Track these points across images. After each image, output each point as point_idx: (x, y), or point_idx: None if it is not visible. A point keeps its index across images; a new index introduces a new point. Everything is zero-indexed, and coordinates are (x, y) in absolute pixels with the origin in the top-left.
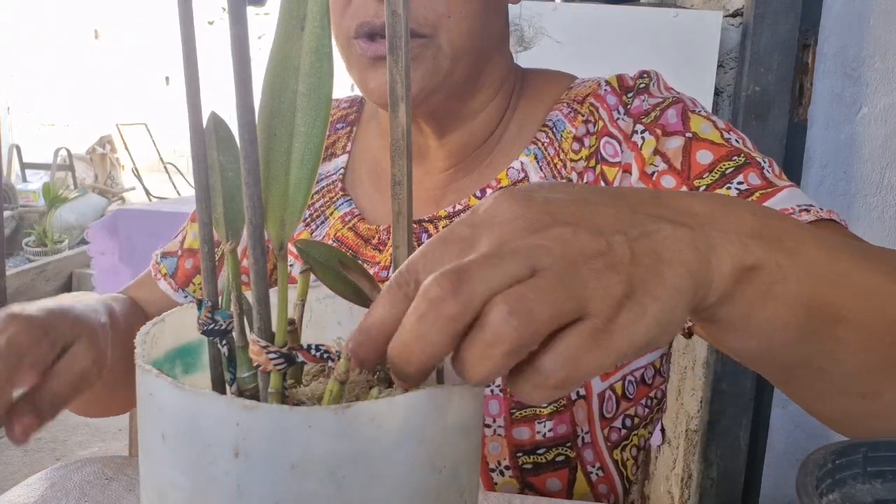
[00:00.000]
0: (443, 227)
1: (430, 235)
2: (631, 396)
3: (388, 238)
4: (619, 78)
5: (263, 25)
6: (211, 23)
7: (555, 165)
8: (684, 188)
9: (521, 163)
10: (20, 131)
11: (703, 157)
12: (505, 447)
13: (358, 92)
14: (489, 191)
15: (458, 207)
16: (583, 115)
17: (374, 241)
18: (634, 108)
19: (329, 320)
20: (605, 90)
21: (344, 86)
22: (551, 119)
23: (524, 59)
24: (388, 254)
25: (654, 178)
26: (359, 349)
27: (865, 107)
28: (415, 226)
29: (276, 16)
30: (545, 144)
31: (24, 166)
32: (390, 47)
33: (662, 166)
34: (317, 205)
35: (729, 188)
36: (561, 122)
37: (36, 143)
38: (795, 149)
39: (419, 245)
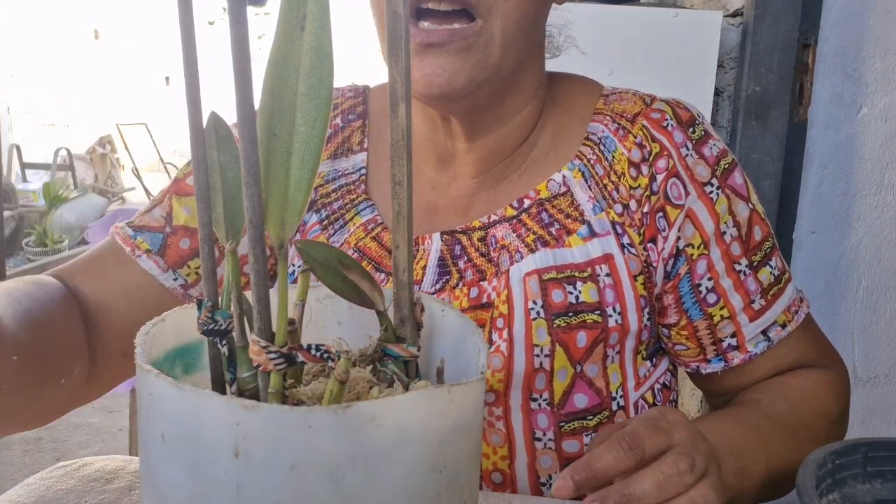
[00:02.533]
0: (477, 240)
1: (462, 247)
2: (659, 404)
3: (416, 249)
4: (673, 109)
5: (263, 25)
6: (211, 23)
7: (604, 186)
8: (744, 260)
9: (564, 176)
10: (20, 131)
11: (757, 232)
12: (556, 461)
13: (358, 82)
14: (527, 202)
15: (494, 218)
16: (634, 137)
17: None
18: (707, 154)
19: (329, 320)
20: (670, 124)
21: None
22: (595, 133)
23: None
24: (415, 266)
25: (727, 241)
26: (582, 482)
27: (865, 107)
28: (447, 237)
29: (276, 16)
30: (592, 161)
31: (24, 166)
32: (390, 47)
33: (733, 231)
34: (335, 206)
35: (769, 270)
36: (610, 139)
37: (36, 143)
38: (795, 149)
39: (450, 255)
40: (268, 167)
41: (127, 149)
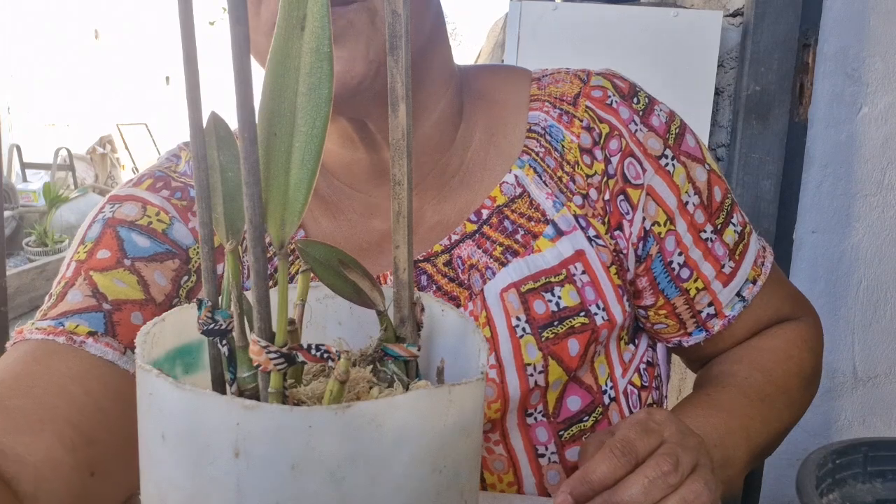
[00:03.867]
0: (442, 265)
1: (428, 276)
2: (646, 384)
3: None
4: (612, 82)
5: None
6: (212, 23)
7: (559, 179)
8: (709, 226)
9: (516, 176)
10: (20, 131)
11: (717, 193)
12: (562, 474)
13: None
14: (485, 212)
15: (455, 238)
16: (580, 120)
17: None
18: (656, 124)
19: (329, 320)
20: (614, 100)
21: None
22: (537, 123)
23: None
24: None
25: (690, 211)
26: (581, 496)
27: (866, 106)
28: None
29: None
30: (541, 154)
31: (24, 166)
32: (390, 47)
33: (695, 200)
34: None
35: (732, 228)
36: (555, 127)
37: (36, 143)
38: (796, 149)
39: (417, 287)
40: (268, 167)
41: (127, 149)
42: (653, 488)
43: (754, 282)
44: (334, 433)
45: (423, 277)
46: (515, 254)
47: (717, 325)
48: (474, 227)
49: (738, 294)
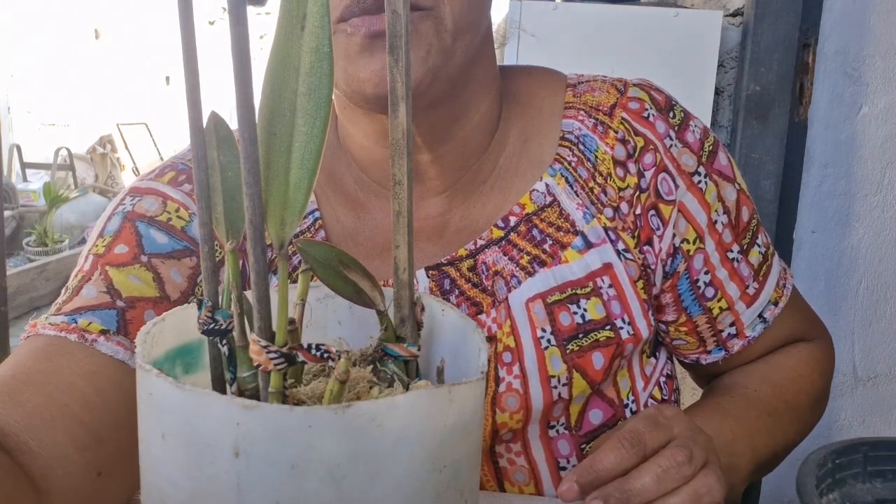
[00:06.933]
0: (466, 269)
1: (452, 280)
2: (666, 397)
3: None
4: (650, 94)
5: (264, 25)
6: (211, 23)
7: (591, 190)
8: (736, 246)
9: (547, 185)
10: (20, 131)
11: (745, 213)
12: None
13: None
14: (513, 219)
15: (481, 243)
16: (615, 132)
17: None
18: (691, 140)
19: (329, 320)
20: (651, 113)
21: None
22: (571, 132)
23: (510, 58)
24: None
25: (719, 231)
26: (586, 485)
27: (866, 106)
28: (433, 272)
29: (276, 16)
30: (573, 164)
31: (24, 166)
32: (390, 47)
33: (724, 219)
34: (294, 262)
35: (757, 249)
36: (589, 137)
37: (36, 142)
38: (796, 149)
39: (440, 291)
40: (268, 167)
41: (127, 149)
42: (666, 478)
43: (776, 303)
44: (334, 433)
45: (447, 281)
46: (543, 264)
47: (736, 346)
48: (501, 233)
49: (760, 315)
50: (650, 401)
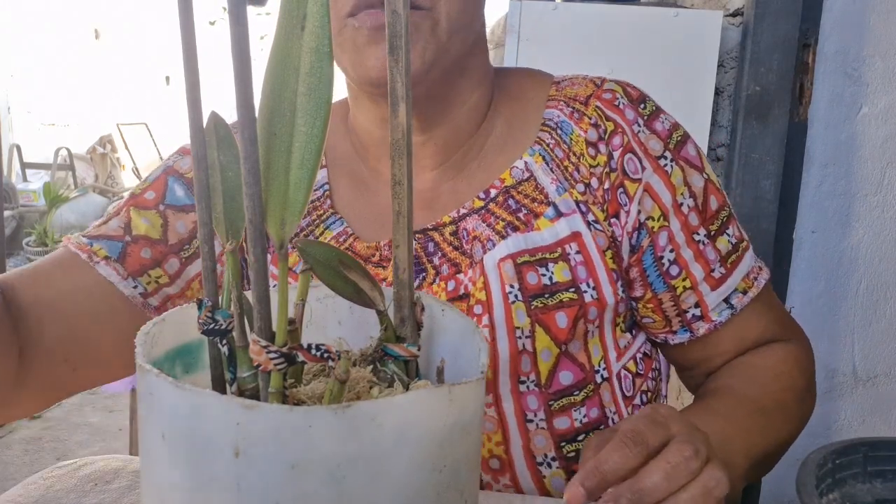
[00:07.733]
0: (449, 234)
1: (435, 243)
2: (642, 372)
3: (391, 253)
4: (624, 88)
5: (264, 25)
6: (212, 23)
7: (565, 168)
8: (702, 230)
9: (526, 162)
10: (20, 131)
11: (713, 202)
12: (549, 439)
13: None
14: (493, 191)
15: (463, 211)
16: (589, 118)
17: (376, 259)
18: (659, 129)
19: (329, 320)
20: (622, 102)
21: (343, 87)
22: (551, 119)
23: (510, 59)
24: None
25: (685, 213)
26: (593, 488)
27: (866, 106)
28: (419, 235)
29: (276, 16)
30: (551, 145)
31: (24, 166)
32: (390, 47)
33: (690, 202)
34: (303, 223)
35: (727, 238)
36: (566, 123)
37: (36, 142)
38: (796, 149)
39: (424, 252)
40: (268, 167)
41: (127, 148)
42: (676, 474)
43: (745, 293)
44: (334, 433)
45: (431, 244)
46: (516, 229)
47: (702, 329)
48: (482, 203)
49: (727, 301)
50: (623, 372)
